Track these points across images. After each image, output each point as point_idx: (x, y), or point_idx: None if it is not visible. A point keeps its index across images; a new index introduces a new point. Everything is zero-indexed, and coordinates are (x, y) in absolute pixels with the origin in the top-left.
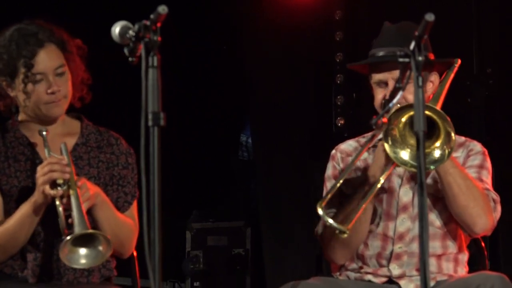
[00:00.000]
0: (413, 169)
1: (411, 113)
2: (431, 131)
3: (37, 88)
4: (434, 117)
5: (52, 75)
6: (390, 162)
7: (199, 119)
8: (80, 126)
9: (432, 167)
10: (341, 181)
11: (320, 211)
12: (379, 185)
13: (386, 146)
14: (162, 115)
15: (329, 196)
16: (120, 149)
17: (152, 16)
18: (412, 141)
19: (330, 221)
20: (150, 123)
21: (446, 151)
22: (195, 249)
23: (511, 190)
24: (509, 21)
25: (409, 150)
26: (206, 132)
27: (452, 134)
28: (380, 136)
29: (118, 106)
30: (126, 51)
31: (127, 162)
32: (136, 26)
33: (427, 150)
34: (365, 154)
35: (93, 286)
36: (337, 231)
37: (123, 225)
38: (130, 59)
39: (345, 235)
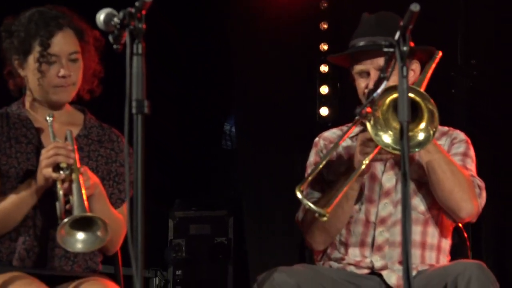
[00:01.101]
0: (396, 152)
1: (396, 95)
2: (414, 114)
3: (50, 70)
4: (417, 98)
5: (65, 59)
6: (371, 152)
7: (183, 107)
8: (84, 119)
9: (417, 149)
10: (321, 166)
11: (299, 194)
12: (363, 167)
13: (369, 126)
14: (146, 103)
15: (309, 179)
16: (120, 146)
17: (137, 4)
18: (395, 124)
19: (309, 203)
20: (134, 110)
21: (431, 132)
22: (178, 238)
23: (494, 181)
24: (494, 12)
25: (391, 133)
26: (190, 121)
27: (435, 112)
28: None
29: (102, 93)
30: (110, 38)
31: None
32: (121, 14)
33: (411, 133)
34: (348, 142)
35: (78, 273)
36: (316, 214)
37: (115, 220)
38: (114, 46)
39: (325, 218)
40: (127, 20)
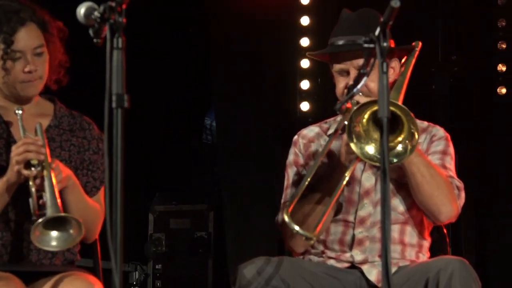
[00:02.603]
0: (376, 163)
1: (374, 108)
2: (395, 126)
3: (15, 66)
4: (398, 112)
5: (30, 54)
6: (354, 157)
7: (164, 101)
8: (54, 108)
9: (395, 160)
10: (308, 180)
11: (286, 219)
12: (344, 182)
13: (352, 145)
14: (126, 97)
15: (295, 200)
16: (92, 134)
17: None
18: (376, 135)
19: (297, 228)
20: (114, 104)
21: (409, 146)
22: (158, 232)
23: (473, 177)
24: (474, 8)
25: (373, 144)
26: (170, 114)
27: (415, 132)
28: (346, 122)
29: (82, 88)
30: (91, 32)
31: (98, 148)
32: (102, 8)
33: (390, 144)
34: (326, 139)
35: (56, 268)
36: (303, 238)
37: (91, 209)
38: (95, 40)
39: (312, 242)
40: (108, 14)
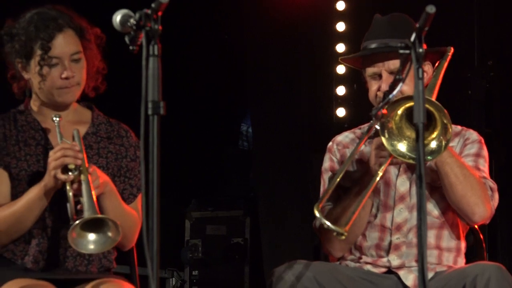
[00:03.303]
0: (411, 161)
1: (407, 105)
2: (428, 123)
3: (52, 72)
4: (431, 108)
5: (67, 60)
6: (384, 160)
7: (200, 108)
8: (91, 116)
9: (429, 157)
10: (338, 179)
11: (317, 213)
12: (377, 179)
13: (383, 139)
14: (162, 104)
15: (326, 196)
16: (129, 141)
17: (153, 5)
18: (409, 133)
19: (328, 223)
20: (150, 111)
21: (443, 142)
22: (194, 238)
23: (510, 182)
24: (510, 13)
25: (406, 142)
26: (206, 121)
27: (449, 126)
28: (377, 127)
29: (118, 95)
30: (127, 39)
31: (135, 155)
32: (137, 15)
33: (425, 142)
34: (361, 147)
35: (92, 275)
36: (335, 233)
37: (128, 216)
38: (131, 47)
39: (343, 237)
40: (143, 21)
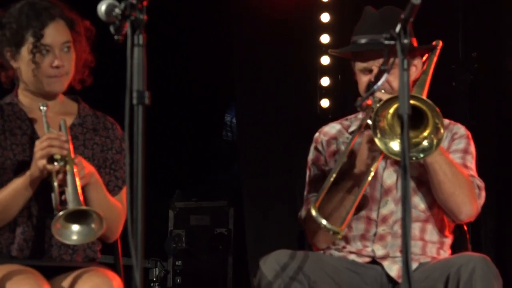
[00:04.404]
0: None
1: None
2: (419, 121)
3: (43, 60)
4: (423, 107)
5: (58, 49)
6: (377, 154)
7: (184, 98)
8: (78, 108)
9: (421, 155)
10: (334, 174)
11: (314, 213)
12: (372, 174)
13: (376, 140)
14: (147, 94)
15: (322, 195)
16: (115, 133)
17: None
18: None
19: (324, 223)
20: (134, 101)
21: (435, 141)
22: (178, 228)
23: (494, 175)
24: (494, 5)
25: (398, 140)
26: (191, 111)
27: (440, 126)
28: (369, 121)
29: (102, 85)
30: (112, 29)
31: (121, 147)
32: (122, 4)
33: (416, 140)
34: (348, 137)
35: (77, 264)
36: (331, 232)
37: (113, 208)
38: (115, 37)
39: (339, 236)
40: (129, 11)
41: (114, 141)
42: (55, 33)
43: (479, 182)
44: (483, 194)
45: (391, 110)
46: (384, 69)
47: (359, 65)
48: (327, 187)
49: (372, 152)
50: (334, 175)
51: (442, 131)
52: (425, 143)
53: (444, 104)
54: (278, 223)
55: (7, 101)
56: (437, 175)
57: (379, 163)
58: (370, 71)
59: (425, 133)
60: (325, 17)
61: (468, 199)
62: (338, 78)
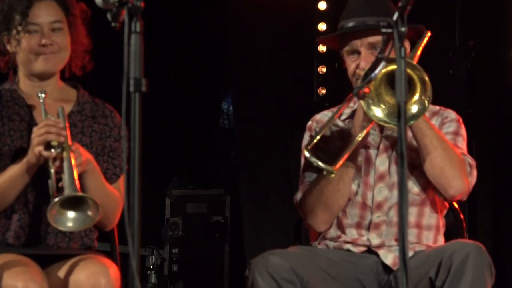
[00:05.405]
0: (389, 125)
1: (387, 68)
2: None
3: (31, 39)
4: (407, 70)
5: (47, 28)
6: (369, 119)
7: (181, 86)
8: (77, 95)
9: (411, 122)
10: (324, 129)
11: (307, 153)
12: (359, 138)
13: (362, 103)
14: (144, 81)
15: (315, 141)
16: (114, 121)
17: None
18: (388, 98)
19: (317, 161)
20: (131, 89)
21: (425, 102)
22: (175, 216)
23: (490, 163)
24: None
25: (383, 107)
26: (187, 99)
27: (427, 81)
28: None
29: (99, 72)
30: (109, 16)
31: (120, 135)
32: None
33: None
34: (340, 124)
35: (73, 251)
36: (324, 172)
37: (110, 196)
38: (112, 24)
39: (333, 175)
40: None
41: (112, 129)
42: (44, 12)
43: (471, 160)
44: (475, 172)
45: (379, 75)
46: (382, 57)
47: (346, 48)
48: (319, 136)
49: (361, 123)
50: (326, 128)
51: (429, 86)
52: (414, 109)
53: (441, 92)
54: (274, 211)
55: (6, 87)
56: (428, 149)
57: (372, 151)
58: (358, 52)
59: (414, 99)
60: (322, 5)
61: (458, 174)
62: (335, 66)
